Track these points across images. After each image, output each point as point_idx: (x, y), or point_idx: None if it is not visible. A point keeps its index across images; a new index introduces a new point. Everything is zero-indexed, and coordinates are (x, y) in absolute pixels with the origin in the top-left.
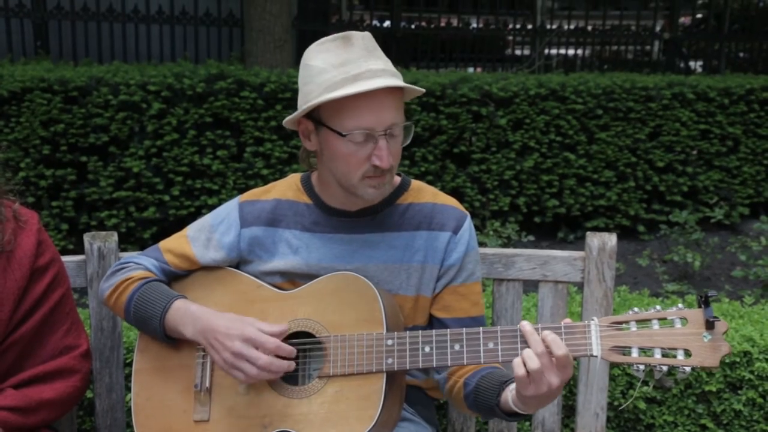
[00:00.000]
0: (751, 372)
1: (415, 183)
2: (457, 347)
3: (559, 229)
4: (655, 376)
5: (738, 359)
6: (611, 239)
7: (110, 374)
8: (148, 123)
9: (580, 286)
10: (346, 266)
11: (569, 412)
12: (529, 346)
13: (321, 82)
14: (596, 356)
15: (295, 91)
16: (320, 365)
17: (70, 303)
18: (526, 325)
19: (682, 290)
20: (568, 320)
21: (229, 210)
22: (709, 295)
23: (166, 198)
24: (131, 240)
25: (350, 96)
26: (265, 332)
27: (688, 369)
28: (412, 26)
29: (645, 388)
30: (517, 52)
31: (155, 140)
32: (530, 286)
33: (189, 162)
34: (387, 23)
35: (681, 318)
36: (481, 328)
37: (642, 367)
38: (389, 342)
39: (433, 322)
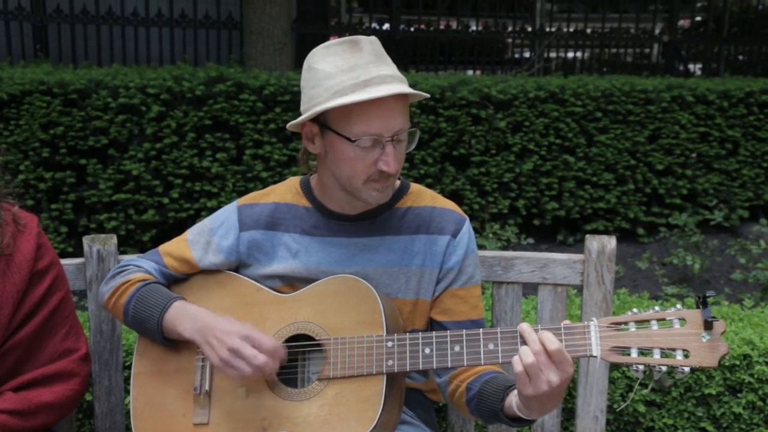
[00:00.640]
0: (751, 375)
1: (414, 186)
2: (457, 348)
3: (558, 231)
4: (654, 377)
5: (738, 362)
6: (610, 242)
7: (109, 377)
8: (148, 126)
9: (580, 289)
10: (345, 270)
11: (569, 414)
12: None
13: (329, 86)
14: (596, 356)
15: (295, 94)
16: (320, 368)
17: (69, 306)
18: (524, 326)
19: (681, 293)
20: (567, 321)
21: (227, 213)
22: (707, 295)
23: (166, 201)
24: (130, 243)
25: (359, 102)
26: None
27: (687, 369)
28: (412, 29)
29: (644, 391)
30: (517, 54)
31: (154, 143)
32: (530, 289)
33: (188, 165)
34: (386, 26)
35: (680, 318)
36: (481, 329)
37: (641, 367)
38: (389, 344)
39: (432, 326)
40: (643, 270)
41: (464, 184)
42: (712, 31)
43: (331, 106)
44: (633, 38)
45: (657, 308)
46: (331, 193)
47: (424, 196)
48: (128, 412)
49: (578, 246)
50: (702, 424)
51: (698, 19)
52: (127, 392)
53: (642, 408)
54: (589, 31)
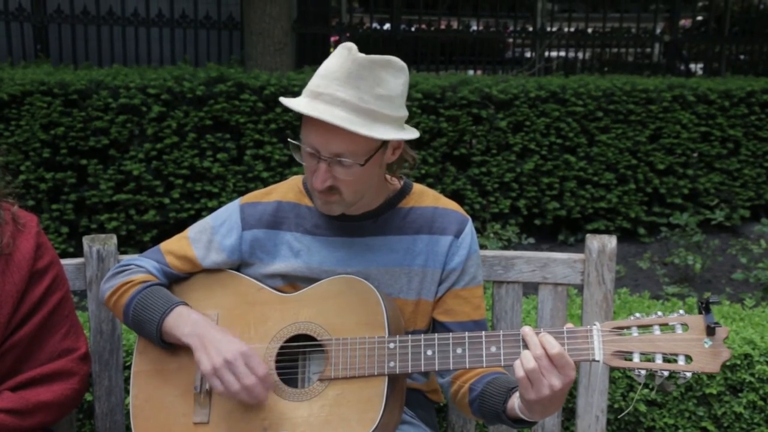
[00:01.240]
0: (752, 375)
1: (417, 187)
2: (459, 351)
3: (559, 231)
4: (656, 381)
5: (738, 362)
6: (611, 241)
7: (109, 377)
8: (148, 126)
9: (580, 288)
10: (347, 269)
11: (569, 415)
12: (528, 349)
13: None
14: (599, 361)
15: (295, 94)
16: (321, 368)
17: (69, 306)
18: (527, 329)
19: (682, 293)
20: (570, 325)
21: (230, 212)
22: (710, 300)
23: (166, 201)
24: (131, 243)
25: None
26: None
27: (689, 374)
28: (412, 29)
29: (645, 391)
30: (518, 54)
31: (155, 143)
32: (530, 289)
33: (189, 165)
34: (387, 26)
35: (682, 324)
36: (483, 332)
37: (643, 372)
38: (391, 345)
39: (435, 326)
40: (644, 270)
41: (465, 183)
42: (714, 30)
43: (283, 101)
44: (634, 38)
45: (660, 313)
46: None
47: (426, 197)
48: (128, 412)
49: (579, 246)
50: (703, 424)
51: (699, 18)
52: (127, 392)
53: (643, 408)
54: (590, 30)
